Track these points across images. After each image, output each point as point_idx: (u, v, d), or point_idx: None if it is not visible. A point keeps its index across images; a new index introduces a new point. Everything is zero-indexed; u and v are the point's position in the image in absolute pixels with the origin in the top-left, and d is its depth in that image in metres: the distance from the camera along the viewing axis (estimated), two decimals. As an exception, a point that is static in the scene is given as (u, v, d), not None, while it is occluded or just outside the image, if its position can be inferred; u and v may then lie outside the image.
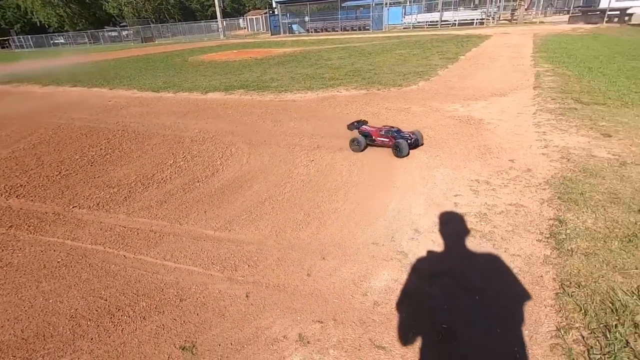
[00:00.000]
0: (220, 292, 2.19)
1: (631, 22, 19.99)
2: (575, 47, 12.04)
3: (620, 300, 1.86)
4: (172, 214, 3.20)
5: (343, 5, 33.61)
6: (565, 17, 24.66)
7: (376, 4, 31.47)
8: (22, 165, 4.63)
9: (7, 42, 54.16)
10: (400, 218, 2.83)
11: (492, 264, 2.24)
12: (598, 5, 23.99)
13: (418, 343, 1.75)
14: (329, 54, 14.60)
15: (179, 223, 3.03)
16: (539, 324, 1.79)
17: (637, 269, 2.07)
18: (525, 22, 26.15)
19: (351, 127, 4.48)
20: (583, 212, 2.66)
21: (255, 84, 8.94)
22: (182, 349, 1.82)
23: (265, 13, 50.79)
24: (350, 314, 1.96)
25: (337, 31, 32.90)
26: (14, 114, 7.63)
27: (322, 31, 34.19)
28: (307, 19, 36.05)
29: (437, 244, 2.48)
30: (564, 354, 1.62)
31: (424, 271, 2.23)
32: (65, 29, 60.41)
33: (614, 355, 1.57)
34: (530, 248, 2.35)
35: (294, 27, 37.34)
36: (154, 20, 61.61)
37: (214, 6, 48.17)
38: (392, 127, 4.30)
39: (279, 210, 3.13)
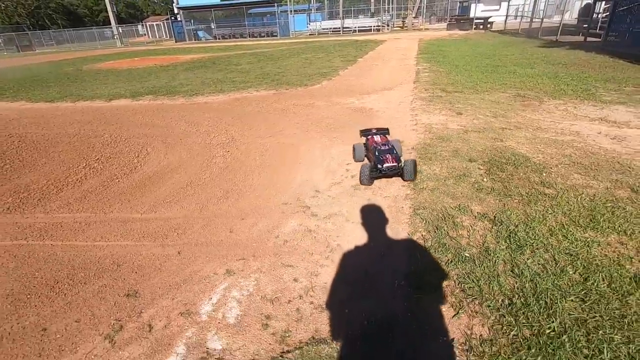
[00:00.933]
0: (154, 255, 2.56)
1: (492, 29, 24.24)
2: (449, 49, 14.38)
3: (448, 212, 2.75)
4: (95, 206, 3.37)
5: (249, 12, 33.94)
6: (444, 25, 28.73)
7: (281, 11, 32.54)
8: None
9: None
10: (304, 185, 3.49)
11: (371, 203, 3.01)
12: (468, 14, 28.58)
13: (316, 258, 2.39)
14: (238, 60, 14.92)
15: (104, 212, 3.24)
16: (398, 233, 2.58)
17: (461, 195, 3.02)
18: (414, 29, 29.73)
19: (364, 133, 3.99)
20: (434, 164, 3.63)
21: (164, 89, 8.92)
22: (127, 296, 2.17)
23: (166, 19, 48.43)
24: (266, 250, 2.52)
25: (245, 37, 33.11)
26: None
27: (229, 38, 34.01)
28: (213, 25, 35.47)
29: (333, 198, 3.18)
30: (410, 246, 2.41)
31: (322, 214, 2.90)
32: None
33: (438, 239, 2.41)
34: (397, 191, 3.19)
35: (200, 33, 36.46)
36: (30, 26, 53.92)
37: (106, 11, 44.22)
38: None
39: (200, 191, 3.53)
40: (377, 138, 3.75)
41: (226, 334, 1.86)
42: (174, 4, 39.55)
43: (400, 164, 3.25)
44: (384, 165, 3.23)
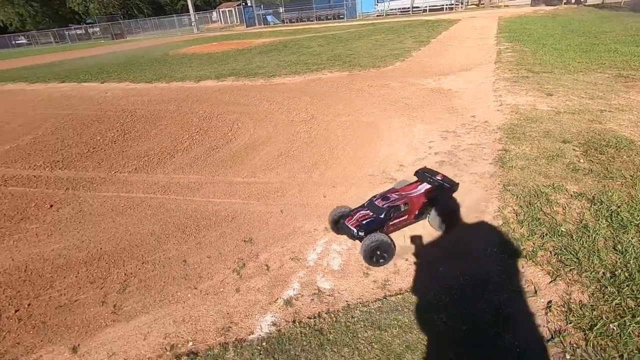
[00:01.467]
0: (260, 211, 2.95)
1: (587, 4, 21.50)
2: (535, 27, 13.18)
3: (540, 190, 2.74)
4: (203, 170, 3.90)
5: (316, -6, 34.01)
6: (528, 0, 26.07)
7: (349, -7, 32.08)
8: (49, 146, 5.16)
9: (-35, 45, 51.48)
10: (388, 159, 3.65)
11: (458, 179, 3.09)
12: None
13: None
14: (308, 42, 15.23)
15: (212, 176, 3.74)
16: (488, 206, 2.65)
17: (554, 174, 2.96)
18: (492, 6, 27.46)
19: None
20: (523, 144, 3.55)
21: (244, 71, 9.55)
22: (244, 241, 2.57)
23: (238, 5, 50.40)
24: (359, 214, 2.76)
25: (312, 21, 33.36)
26: (14, 110, 7.97)
27: (297, 21, 34.53)
28: (281, 9, 36.23)
29: (417, 172, 3.31)
30: (502, 218, 2.48)
31: (409, 187, 3.06)
32: (27, 28, 57.78)
33: (531, 214, 2.44)
34: (485, 168, 3.22)
35: (269, 18, 37.48)
36: (122, 16, 59.75)
37: (185, 0, 47.38)
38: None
39: (291, 161, 3.88)
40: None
41: (332, 278, 2.15)
42: (245, -10, 41.04)
43: (359, 234, 2.21)
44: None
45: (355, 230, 2.22)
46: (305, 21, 34.02)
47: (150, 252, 2.57)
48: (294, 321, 1.85)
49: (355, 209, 2.42)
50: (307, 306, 1.95)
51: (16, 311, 2.11)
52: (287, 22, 34.99)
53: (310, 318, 1.86)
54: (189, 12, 41.95)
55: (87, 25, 55.63)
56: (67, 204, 3.45)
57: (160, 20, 51.39)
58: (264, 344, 1.74)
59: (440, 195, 2.44)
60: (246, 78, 8.77)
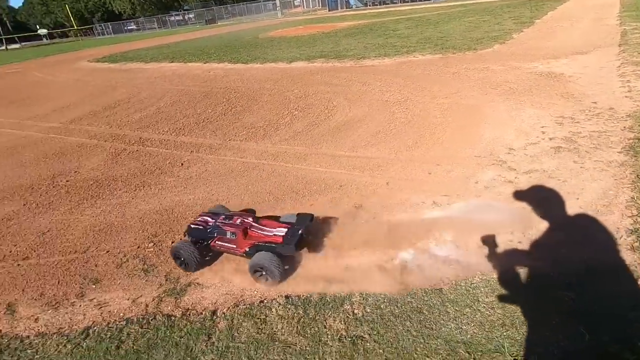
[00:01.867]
0: (366, 182, 3.11)
1: None
2: (671, 4, 11.11)
3: (686, 183, 2.45)
4: (306, 143, 4.18)
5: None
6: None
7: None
8: (170, 116, 5.95)
9: (90, 30, 60.15)
10: (495, 142, 3.53)
11: (578, 166, 2.89)
12: None
13: (523, 204, 2.52)
14: (394, 25, 14.85)
15: (315, 148, 4.01)
16: (618, 195, 2.46)
17: None
18: (611, -19, 23.58)
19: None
20: (662, 134, 3.16)
21: (332, 54, 9.73)
22: (355, 207, 2.76)
23: (321, -11, 50.62)
24: (468, 192, 2.77)
25: (396, 3, 32.25)
26: (135, 86, 9.24)
27: (380, 4, 33.67)
28: (363, -8, 35.58)
29: (531, 156, 3.17)
30: (637, 208, 2.29)
31: (521, 169, 2.96)
32: (137, 15, 65.22)
33: (675, 207, 2.22)
34: (612, 156, 2.95)
35: (351, 1, 37.09)
36: (214, 2, 64.09)
37: (270, -15, 49.06)
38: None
39: (390, 139, 3.97)
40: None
41: (446, 247, 2.22)
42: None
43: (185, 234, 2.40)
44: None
45: (186, 227, 2.42)
46: (389, 4, 33.01)
47: (270, 209, 2.90)
48: (407, 289, 1.99)
49: (230, 213, 2.49)
50: (423, 269, 2.07)
51: (172, 242, 2.58)
52: (370, 5, 34.32)
53: (426, 278, 1.98)
54: (274, -3, 43.42)
55: (185, 12, 60.78)
56: (194, 163, 4.01)
57: (247, 6, 54.05)
58: (384, 298, 1.91)
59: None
60: (335, 60, 8.94)
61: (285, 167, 3.63)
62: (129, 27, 59.11)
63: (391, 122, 4.46)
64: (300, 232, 2.18)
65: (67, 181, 3.94)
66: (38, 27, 64.08)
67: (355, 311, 1.84)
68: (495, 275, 1.94)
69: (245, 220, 2.34)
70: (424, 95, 5.35)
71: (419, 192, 2.86)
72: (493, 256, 2.08)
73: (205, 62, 11.34)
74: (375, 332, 1.71)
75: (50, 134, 5.77)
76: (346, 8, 36.16)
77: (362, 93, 5.89)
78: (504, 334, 1.61)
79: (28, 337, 1.92)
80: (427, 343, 1.61)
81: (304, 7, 54.01)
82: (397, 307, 1.83)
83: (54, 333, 1.93)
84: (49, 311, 2.09)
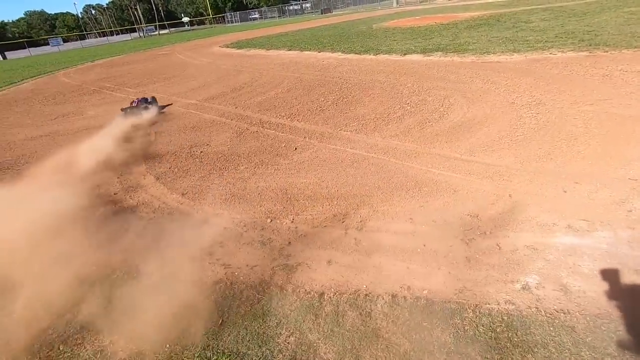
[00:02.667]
0: (485, 191, 2.87)
1: None
2: None
3: None
4: (418, 141, 4.04)
5: (545, -42, 28.42)
6: None
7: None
8: (287, 102, 6.37)
9: (221, 18, 67.76)
10: (660, 165, 2.88)
11: None
12: None
13: (698, 248, 2.02)
14: (527, 16, 13.14)
15: (428, 147, 3.85)
16: None
17: None
18: None
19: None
20: None
21: (451, 47, 9.11)
22: (470, 216, 2.58)
23: (443, -24, 47.52)
24: (617, 221, 2.33)
25: (531, -10, 28.36)
26: (256, 71, 10.10)
27: (511, -8, 30.01)
28: (494, -22, 32.13)
29: None
30: None
31: (700, 204, 2.36)
32: (260, 5, 70.83)
33: None
34: None
35: (477, -11, 33.92)
36: (331, -8, 65.57)
37: (390, -27, 47.88)
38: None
39: (516, 146, 3.57)
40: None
41: (580, 279, 1.93)
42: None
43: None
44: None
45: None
46: (522, -9, 29.21)
47: (379, 204, 2.91)
48: (536, 308, 1.78)
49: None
50: (551, 300, 1.83)
51: (292, 221, 2.79)
52: (498, -7, 30.88)
53: (557, 312, 1.75)
54: (392, -15, 42.39)
55: (302, 1, 63.75)
56: (306, 149, 4.24)
57: (362, -5, 53.97)
58: (504, 317, 1.75)
59: None
60: (454, 54, 8.36)
61: (395, 164, 3.57)
62: (252, 16, 64.65)
63: (517, 127, 4.01)
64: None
65: (201, 152, 4.57)
66: (182, 15, 74.73)
67: (466, 327, 1.73)
68: (650, 328, 1.61)
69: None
70: (561, 100, 4.65)
71: (550, 211, 2.52)
72: (649, 304, 1.73)
73: (320, 51, 11.76)
74: (488, 357, 1.59)
75: (190, 109, 6.73)
76: (470, -4, 33.24)
77: (484, 92, 5.40)
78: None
79: (171, 280, 2.32)
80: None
81: (421, -5, 51.56)
82: (516, 334, 1.67)
83: (190, 282, 2.28)
84: (190, 262, 2.48)
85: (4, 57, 37.96)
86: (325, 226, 2.71)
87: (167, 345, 1.80)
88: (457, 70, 6.92)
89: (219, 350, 1.76)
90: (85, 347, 1.86)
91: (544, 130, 3.86)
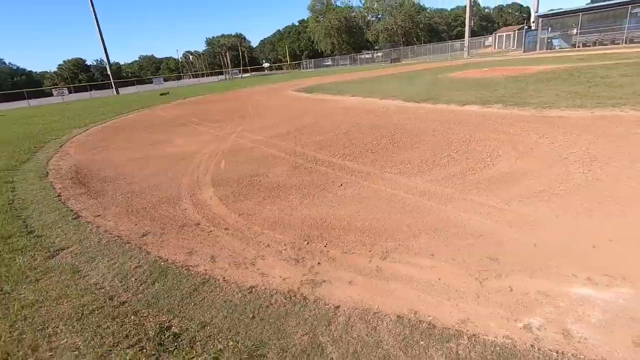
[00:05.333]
0: (510, 238, 2.99)
1: None
2: None
3: None
4: (456, 187, 4.23)
5: (634, 11, 26.93)
6: None
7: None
8: (341, 143, 6.94)
9: (297, 65, 73.91)
10: None
11: None
12: None
13: None
14: (606, 71, 12.53)
15: (464, 193, 4.02)
16: None
17: None
18: None
19: None
20: None
21: (513, 99, 9.10)
22: (489, 258, 2.73)
23: (519, 29, 47.03)
24: (642, 279, 2.32)
25: (618, 44, 26.83)
26: (320, 114, 11.01)
27: (593, 45, 28.70)
28: (575, 31, 31.07)
29: None
30: None
31: None
32: (334, 53, 75.95)
33: None
34: None
35: (555, 42, 33.00)
36: (402, 43, 68.26)
37: (461, 26, 48.72)
38: None
39: (555, 199, 3.60)
40: None
41: (586, 328, 1.99)
42: (531, 13, 37.87)
43: None
44: None
45: None
46: (607, 45, 27.78)
47: (405, 239, 3.17)
48: (532, 345, 1.91)
49: None
50: (550, 341, 1.93)
51: (325, 246, 3.18)
52: (579, 46, 29.69)
53: (551, 351, 1.86)
54: (463, 37, 42.96)
55: (373, 51, 67.09)
56: (350, 186, 4.66)
57: (433, 46, 55.30)
58: (498, 348, 1.91)
59: None
60: (515, 106, 8.35)
61: (429, 206, 3.81)
62: (325, 63, 69.39)
63: (563, 182, 4.00)
64: None
65: (259, 181, 5.24)
66: (263, 61, 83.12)
67: (459, 351, 1.92)
68: (644, 379, 1.66)
69: None
70: (619, 159, 4.52)
71: (573, 264, 2.57)
72: (650, 358, 1.76)
73: (381, 99, 12.43)
74: (473, 377, 1.76)
75: (256, 144, 7.66)
76: (547, 49, 32.38)
77: (537, 145, 5.41)
78: None
79: (217, 278, 2.82)
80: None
81: (495, 47, 51.24)
82: (505, 364, 1.82)
83: (233, 283, 2.75)
84: (235, 268, 2.98)
85: (117, 92, 45.57)
86: (353, 253, 3.04)
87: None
88: (513, 123, 6.95)
89: (246, 337, 2.16)
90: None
91: (591, 187, 3.82)
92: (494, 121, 7.28)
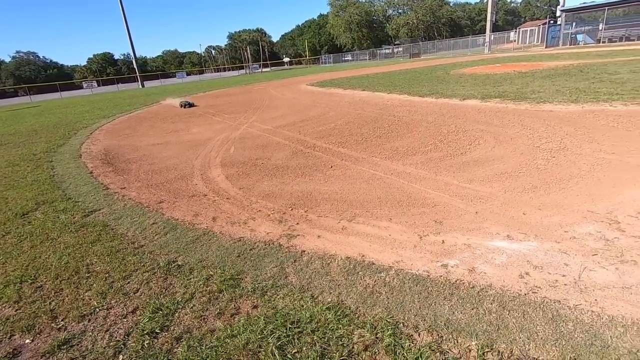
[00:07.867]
0: (458, 208, 3.55)
1: None
2: None
3: None
4: (430, 170, 4.79)
5: (665, 5, 25.96)
6: None
7: None
8: (340, 132, 7.55)
9: (316, 60, 74.26)
10: (628, 204, 3.23)
11: None
12: None
13: (597, 259, 2.50)
14: (617, 68, 12.53)
15: (435, 175, 4.58)
16: None
17: None
18: None
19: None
20: None
21: (512, 95, 9.43)
22: (435, 221, 3.32)
23: (543, 23, 45.78)
24: (549, 236, 2.86)
25: (644, 40, 25.97)
26: (327, 106, 11.61)
27: (619, 40, 27.87)
28: (601, 26, 30.19)
29: (658, 225, 2.84)
30: None
31: (634, 233, 2.76)
32: (354, 48, 75.78)
33: None
34: None
35: (579, 37, 32.16)
36: (423, 37, 67.48)
37: (484, 20, 47.86)
38: None
39: (510, 180, 4.11)
40: None
41: (489, 266, 2.57)
42: (557, 7, 36.92)
43: None
44: None
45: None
46: (634, 40, 26.93)
47: (371, 208, 3.78)
48: (441, 276, 2.50)
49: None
50: (457, 274, 2.53)
51: (305, 211, 3.84)
52: (604, 42, 28.88)
53: (455, 280, 2.45)
54: (485, 32, 42.26)
55: (395, 46, 66.63)
56: (339, 168, 5.28)
57: (454, 41, 54.51)
58: (414, 277, 2.52)
59: None
60: (512, 101, 8.70)
61: (401, 184, 4.40)
62: (345, 58, 69.44)
63: (524, 167, 4.49)
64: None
65: (262, 163, 5.94)
66: (283, 56, 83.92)
67: (387, 279, 2.54)
68: (519, 300, 2.23)
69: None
70: (588, 147, 4.94)
71: (501, 225, 3.12)
72: (526, 285, 2.32)
73: (389, 93, 12.90)
74: (391, 296, 2.38)
75: (264, 133, 8.37)
76: (570, 45, 31.60)
77: (516, 136, 5.85)
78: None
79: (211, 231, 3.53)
80: (409, 318, 2.19)
81: (518, 42, 50.05)
82: (416, 287, 2.43)
83: (227, 235, 3.45)
84: (230, 226, 3.68)
85: (143, 85, 47.53)
86: (327, 217, 3.68)
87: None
88: (504, 116, 7.36)
89: (231, 268, 2.86)
90: (160, 255, 3.14)
91: (546, 170, 4.30)
92: (486, 114, 7.70)
